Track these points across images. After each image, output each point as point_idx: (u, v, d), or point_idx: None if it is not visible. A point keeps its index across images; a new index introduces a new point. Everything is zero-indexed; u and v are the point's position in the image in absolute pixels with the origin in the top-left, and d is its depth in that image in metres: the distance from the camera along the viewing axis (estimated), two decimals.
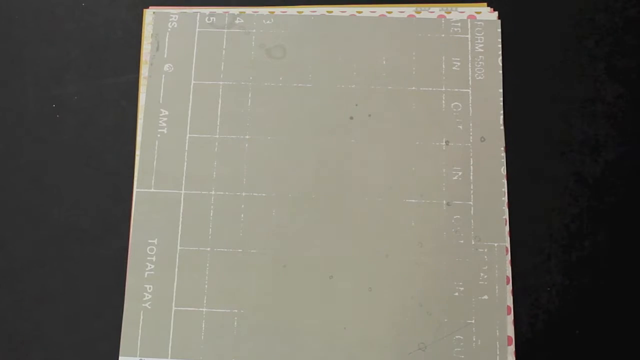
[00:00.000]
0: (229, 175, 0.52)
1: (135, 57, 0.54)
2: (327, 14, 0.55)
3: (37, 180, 0.52)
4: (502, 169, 0.51)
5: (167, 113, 0.53)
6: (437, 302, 0.49)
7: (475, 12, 0.55)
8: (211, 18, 0.55)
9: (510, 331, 0.48)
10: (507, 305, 0.49)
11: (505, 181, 0.51)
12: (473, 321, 0.48)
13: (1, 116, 0.54)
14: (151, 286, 0.50)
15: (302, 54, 0.54)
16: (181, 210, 0.51)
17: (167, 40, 0.54)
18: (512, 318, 0.49)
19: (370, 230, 0.50)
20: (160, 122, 0.53)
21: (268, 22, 0.55)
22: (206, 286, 0.50)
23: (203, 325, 0.49)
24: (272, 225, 0.50)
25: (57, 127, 0.53)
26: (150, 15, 0.55)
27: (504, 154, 0.52)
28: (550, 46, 0.54)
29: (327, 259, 0.50)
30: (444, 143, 0.52)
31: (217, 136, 0.52)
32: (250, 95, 0.53)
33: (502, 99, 0.53)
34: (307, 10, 0.55)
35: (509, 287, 0.49)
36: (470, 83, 0.53)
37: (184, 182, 0.51)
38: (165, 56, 0.54)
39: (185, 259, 0.50)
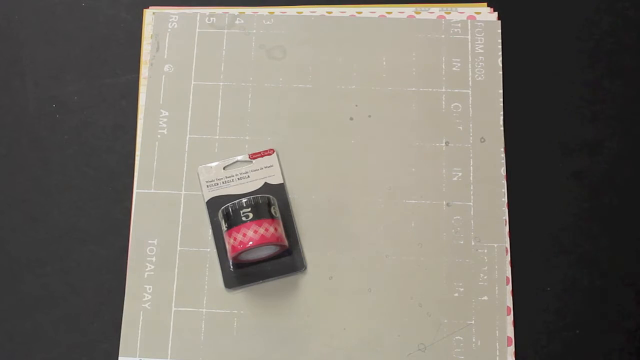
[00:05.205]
0: None
1: (135, 57, 0.54)
2: (327, 14, 0.55)
3: (37, 180, 0.52)
4: (502, 169, 0.51)
5: (167, 114, 0.53)
6: (437, 302, 0.49)
7: (475, 13, 0.55)
8: (211, 18, 0.55)
9: (510, 332, 0.48)
10: (507, 306, 0.49)
11: (505, 181, 0.51)
12: (473, 322, 0.48)
13: (1, 116, 0.54)
14: (151, 286, 0.50)
15: (302, 54, 0.54)
16: (181, 211, 0.51)
17: (167, 40, 0.54)
18: (512, 318, 0.49)
19: (370, 230, 0.50)
20: (161, 122, 0.53)
21: (268, 22, 0.54)
22: (206, 286, 0.50)
23: (203, 326, 0.49)
24: None
25: (57, 127, 0.53)
26: (150, 15, 0.55)
27: (504, 154, 0.52)
28: (550, 46, 0.54)
29: (327, 259, 0.50)
30: (443, 144, 0.52)
31: (217, 137, 0.52)
32: (250, 96, 0.53)
33: (502, 99, 0.53)
34: (307, 10, 0.55)
35: (509, 287, 0.49)
36: (470, 84, 0.53)
37: (184, 182, 0.51)
38: (166, 57, 0.54)
39: (185, 259, 0.50)
